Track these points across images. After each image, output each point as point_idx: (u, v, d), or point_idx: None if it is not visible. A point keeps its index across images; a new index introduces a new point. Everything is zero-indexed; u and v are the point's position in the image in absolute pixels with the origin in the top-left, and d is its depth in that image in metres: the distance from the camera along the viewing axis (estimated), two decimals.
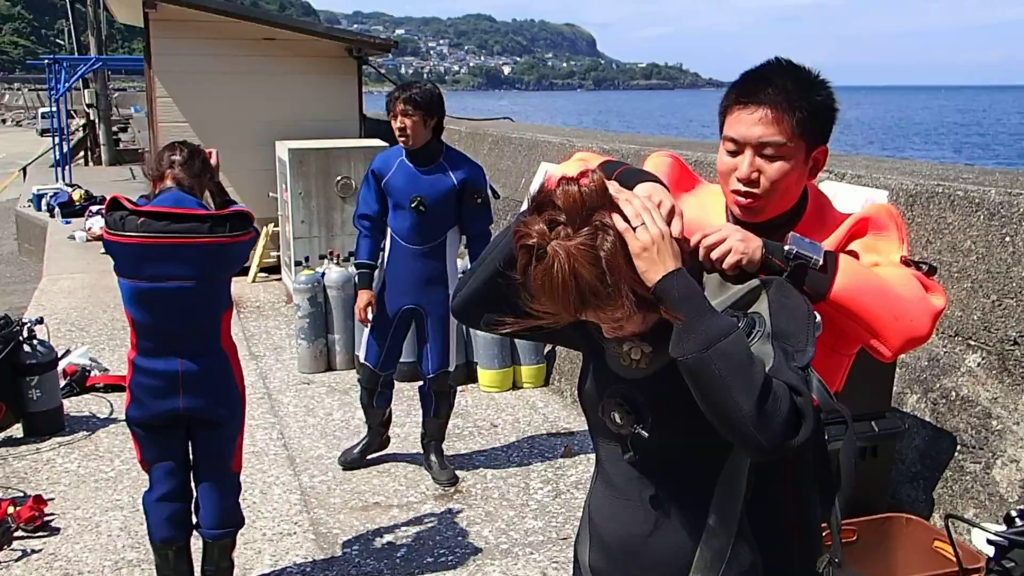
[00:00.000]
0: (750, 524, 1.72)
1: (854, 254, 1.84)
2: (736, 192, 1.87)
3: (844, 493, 1.69)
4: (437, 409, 4.71)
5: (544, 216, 1.49)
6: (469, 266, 4.38)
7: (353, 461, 4.89)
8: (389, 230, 4.50)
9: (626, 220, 1.48)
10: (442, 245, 4.47)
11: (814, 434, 1.47)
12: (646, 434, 1.61)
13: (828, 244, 1.83)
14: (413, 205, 4.35)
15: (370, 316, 4.57)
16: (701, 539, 1.65)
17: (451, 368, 4.65)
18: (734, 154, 1.86)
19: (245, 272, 9.23)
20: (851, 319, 1.75)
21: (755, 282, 1.61)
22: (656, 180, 1.67)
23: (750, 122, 1.81)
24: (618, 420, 1.65)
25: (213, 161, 3.47)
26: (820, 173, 4.25)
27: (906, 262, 1.83)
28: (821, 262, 1.71)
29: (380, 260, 4.61)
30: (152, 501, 3.32)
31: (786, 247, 1.71)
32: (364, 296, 4.58)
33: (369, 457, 4.95)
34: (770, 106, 1.80)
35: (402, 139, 4.33)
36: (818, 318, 1.65)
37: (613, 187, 1.53)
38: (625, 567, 1.72)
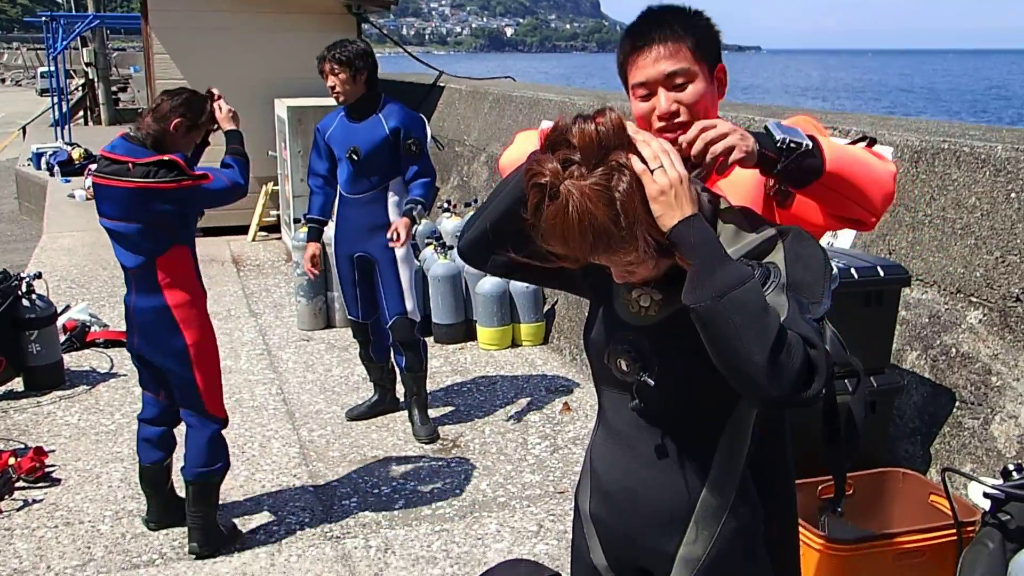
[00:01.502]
0: (753, 477, 1.72)
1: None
2: (661, 131, 1.87)
3: (855, 446, 1.67)
4: (408, 362, 4.69)
5: (558, 155, 1.45)
6: (401, 210, 4.49)
7: (359, 415, 4.93)
8: (337, 183, 4.67)
9: (644, 162, 1.45)
10: (383, 192, 4.54)
11: (826, 387, 1.45)
12: (652, 382, 1.59)
13: None
14: (348, 155, 4.48)
15: (316, 268, 4.79)
16: (703, 490, 1.65)
17: (410, 314, 4.60)
18: (647, 98, 1.89)
19: (244, 231, 9.21)
20: (840, 191, 1.77)
21: (771, 231, 1.57)
22: None
23: (651, 60, 1.86)
24: (624, 367, 1.63)
25: (219, 108, 3.56)
26: (826, 131, 4.22)
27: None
28: (810, 145, 1.71)
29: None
30: (139, 422, 3.71)
31: (776, 136, 1.70)
32: (310, 248, 4.79)
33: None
34: (664, 42, 1.85)
35: (335, 96, 4.49)
36: (835, 269, 1.64)
37: (631, 128, 1.50)
38: (626, 516, 1.72)
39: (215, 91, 3.62)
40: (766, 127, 1.73)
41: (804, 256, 1.54)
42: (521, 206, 1.52)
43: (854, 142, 1.89)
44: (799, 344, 1.39)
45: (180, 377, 3.50)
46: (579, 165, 1.44)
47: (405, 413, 4.88)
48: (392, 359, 4.85)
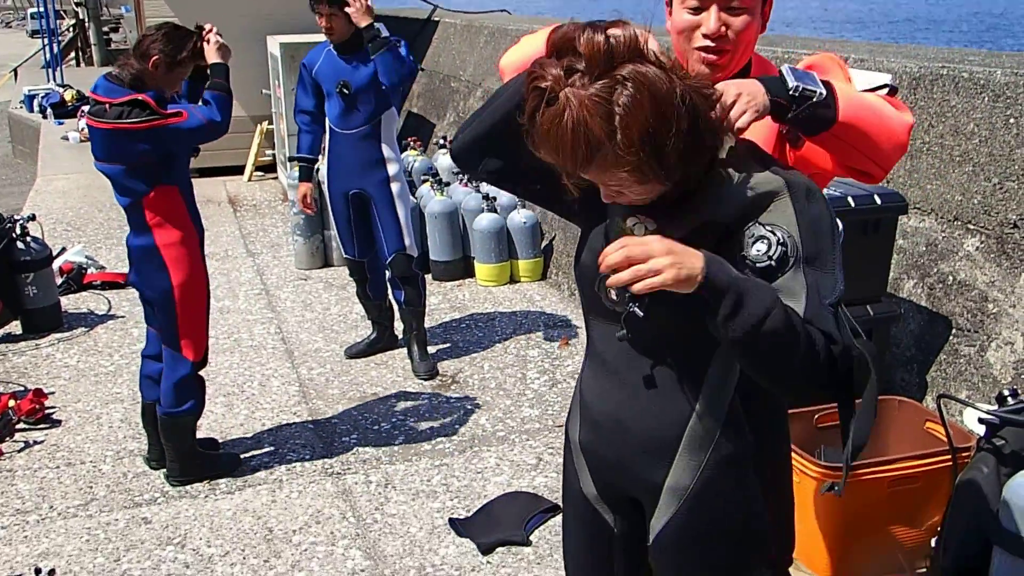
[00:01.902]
0: (743, 406, 1.71)
1: None
2: (703, 49, 1.82)
3: (864, 429, 1.64)
4: (407, 297, 4.69)
5: (564, 62, 1.41)
6: (394, 144, 4.45)
7: (358, 353, 4.94)
8: (326, 119, 4.59)
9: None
10: (376, 127, 4.50)
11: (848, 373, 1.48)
12: (641, 312, 1.56)
13: None
14: (338, 89, 4.42)
15: (310, 208, 4.82)
16: (690, 420, 1.64)
17: (408, 250, 4.59)
18: (696, 11, 1.81)
19: (240, 171, 9.15)
20: (852, 142, 1.73)
21: (779, 181, 1.53)
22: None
23: None
24: (614, 296, 1.60)
25: (207, 41, 3.49)
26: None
27: (865, 92, 1.82)
28: (824, 93, 1.66)
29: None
30: (142, 359, 3.79)
31: (790, 84, 1.65)
32: (302, 188, 4.81)
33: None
34: None
35: (329, 35, 4.43)
36: (840, 227, 1.61)
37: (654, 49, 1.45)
38: (614, 445, 1.71)
39: (207, 25, 3.55)
40: (780, 72, 1.68)
41: (816, 218, 1.52)
42: (519, 110, 1.49)
43: (874, 89, 1.83)
44: (823, 346, 1.44)
45: (163, 314, 3.53)
46: (582, 74, 1.40)
47: (404, 350, 4.89)
48: (390, 296, 4.85)
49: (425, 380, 4.65)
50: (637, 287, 1.41)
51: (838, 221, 1.56)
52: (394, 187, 4.51)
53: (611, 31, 1.42)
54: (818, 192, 1.56)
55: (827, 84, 1.69)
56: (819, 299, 1.47)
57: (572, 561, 1.93)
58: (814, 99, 1.65)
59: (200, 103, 3.46)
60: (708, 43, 1.80)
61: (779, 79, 1.66)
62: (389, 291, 4.83)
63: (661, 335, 1.62)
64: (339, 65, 4.45)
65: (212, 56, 3.51)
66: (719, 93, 1.60)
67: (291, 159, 4.74)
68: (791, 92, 1.64)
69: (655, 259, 1.40)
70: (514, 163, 1.65)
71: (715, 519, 1.68)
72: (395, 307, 4.87)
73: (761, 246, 1.49)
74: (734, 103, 1.60)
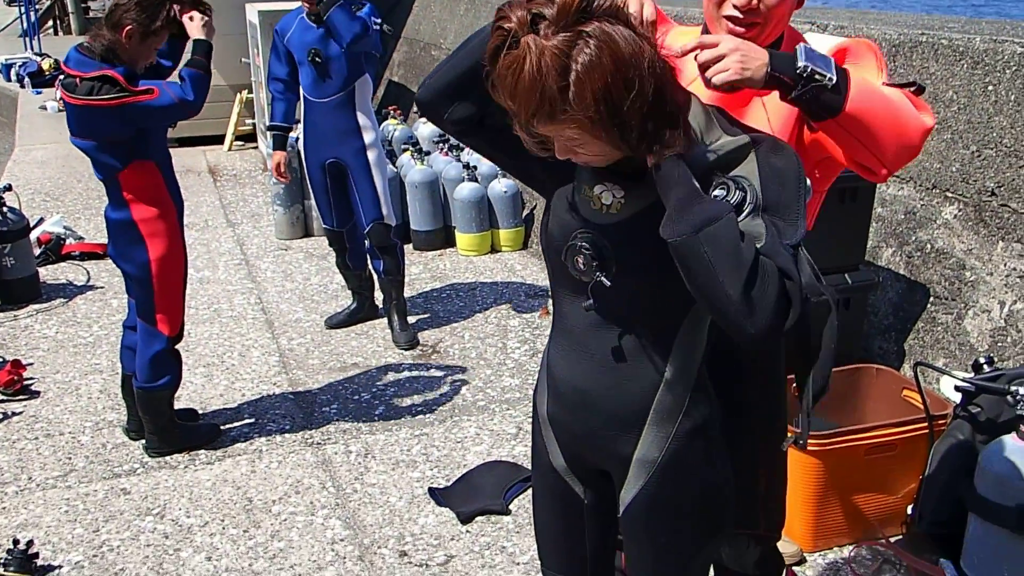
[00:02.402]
0: (712, 376, 1.70)
1: None
2: (732, 19, 1.78)
3: (822, 374, 1.63)
4: (386, 266, 4.67)
5: (532, 5, 1.38)
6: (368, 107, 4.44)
7: (339, 323, 4.93)
8: (300, 89, 4.54)
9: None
10: (350, 95, 4.46)
11: (801, 317, 1.43)
12: (608, 282, 1.55)
13: None
14: (310, 58, 4.38)
15: (285, 177, 4.82)
16: (658, 392, 1.62)
17: (386, 219, 4.59)
18: None
19: (220, 140, 9.07)
20: (856, 136, 1.68)
21: (745, 139, 1.51)
22: None
23: None
24: (580, 266, 1.58)
25: (195, 18, 3.43)
26: (803, 24, 4.13)
27: (889, 86, 1.77)
28: (835, 79, 1.61)
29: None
30: (123, 329, 3.78)
31: (799, 63, 1.59)
32: (277, 156, 4.78)
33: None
34: None
35: (307, 3, 4.38)
36: (808, 183, 1.58)
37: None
38: (582, 417, 1.70)
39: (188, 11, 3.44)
40: (795, 49, 1.63)
41: (779, 170, 1.48)
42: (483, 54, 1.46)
43: (901, 86, 1.76)
44: (775, 276, 1.38)
45: (140, 288, 3.51)
46: (549, 23, 1.37)
47: (384, 321, 4.88)
48: (370, 266, 4.83)
49: (406, 350, 4.64)
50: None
51: (808, 181, 1.53)
52: (370, 155, 4.48)
53: None
54: (785, 148, 1.52)
55: (843, 72, 1.64)
56: (778, 239, 1.44)
57: (543, 533, 1.93)
58: (822, 83, 1.60)
59: (179, 77, 3.40)
60: (736, 13, 1.77)
61: (791, 56, 1.61)
62: (368, 261, 4.80)
63: (627, 307, 1.60)
64: (311, 32, 4.40)
65: (196, 32, 3.42)
66: (712, 43, 1.58)
67: (267, 128, 4.67)
68: (798, 71, 1.59)
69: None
70: (481, 115, 1.62)
71: (683, 489, 1.67)
72: (375, 277, 4.85)
73: (720, 192, 1.46)
74: (722, 57, 1.57)
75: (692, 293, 1.43)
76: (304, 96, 4.52)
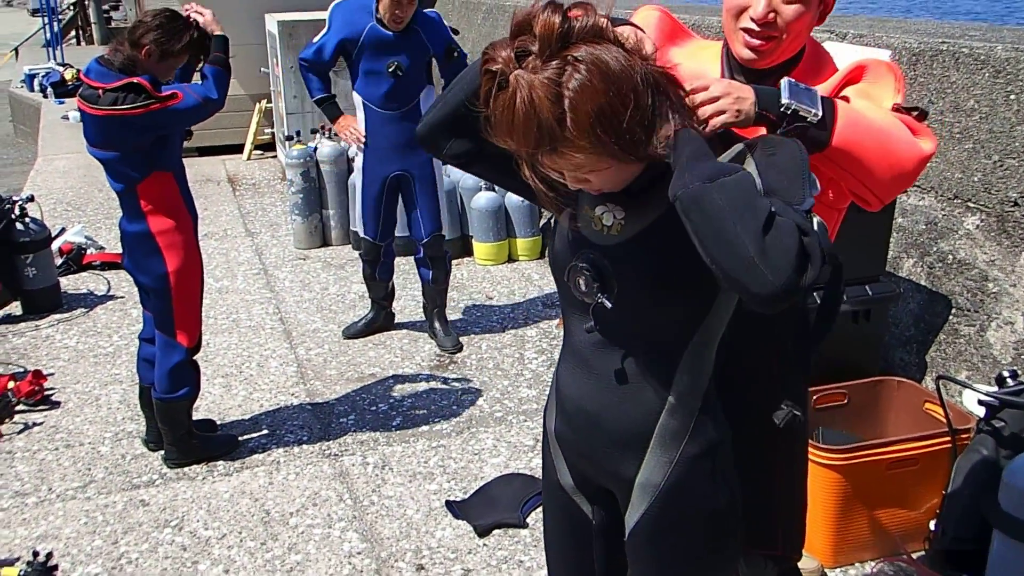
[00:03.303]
0: (723, 399, 1.67)
1: (845, 99, 1.75)
2: (748, 32, 1.77)
3: (822, 334, 1.63)
4: (435, 275, 4.72)
5: (517, 42, 1.37)
6: None
7: (356, 333, 4.92)
8: (358, 98, 4.45)
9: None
10: (417, 107, 4.41)
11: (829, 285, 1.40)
12: (609, 304, 1.53)
13: (822, 90, 1.73)
14: (391, 70, 4.29)
15: (362, 136, 4.50)
16: (660, 416, 1.60)
17: (444, 232, 4.65)
18: None
19: (239, 150, 9.11)
20: (845, 168, 1.66)
21: (739, 146, 1.50)
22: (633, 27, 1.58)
23: None
24: (582, 287, 1.57)
25: (201, 20, 3.45)
26: (822, 34, 4.10)
27: (897, 109, 1.74)
28: (820, 115, 1.60)
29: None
30: (139, 341, 3.78)
31: (783, 100, 1.59)
32: (345, 120, 4.55)
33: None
34: None
35: (396, 23, 4.26)
36: (814, 177, 1.56)
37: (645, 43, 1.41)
38: (586, 438, 1.68)
39: (190, 7, 3.48)
40: (780, 84, 1.61)
41: (777, 163, 1.45)
42: (476, 94, 1.45)
43: (908, 110, 1.74)
44: (792, 229, 1.31)
45: (158, 300, 3.51)
46: (535, 56, 1.35)
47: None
48: (393, 277, 4.87)
49: (452, 353, 4.68)
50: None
51: (815, 178, 1.49)
52: (436, 167, 4.51)
53: (573, 13, 1.38)
54: (779, 140, 1.50)
55: (830, 105, 1.62)
56: (787, 205, 1.38)
57: (552, 551, 1.91)
58: (806, 120, 1.59)
59: (200, 76, 3.42)
60: (753, 26, 1.76)
61: (776, 93, 1.60)
62: (392, 275, 4.84)
63: (630, 329, 1.58)
64: (388, 42, 4.29)
65: (214, 28, 3.45)
66: (703, 86, 1.56)
67: (317, 102, 4.57)
68: (782, 108, 1.58)
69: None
70: (479, 146, 1.60)
71: (687, 514, 1.64)
72: (392, 287, 4.86)
73: None
74: (716, 99, 1.55)
75: (703, 252, 1.34)
76: (367, 106, 4.41)
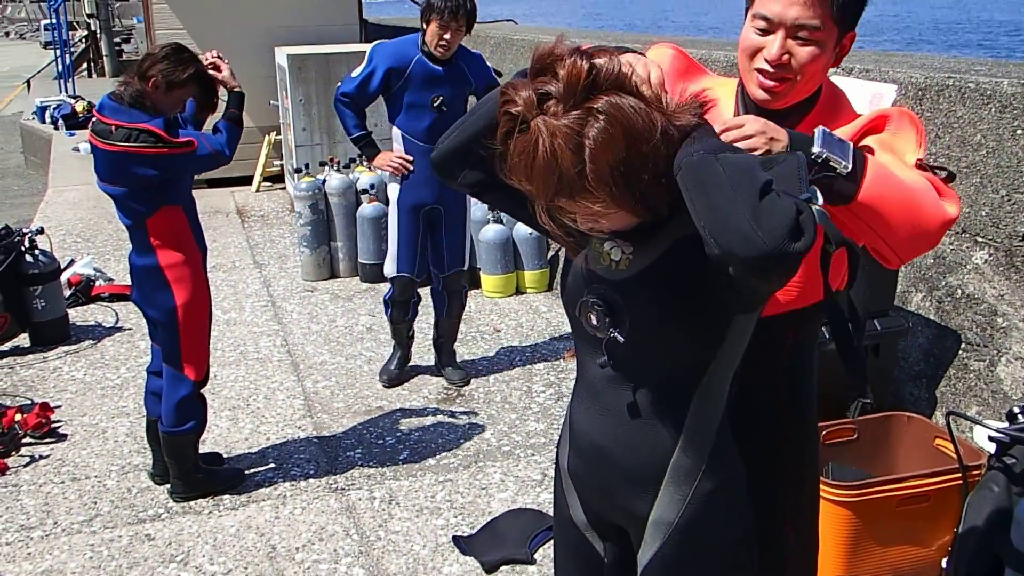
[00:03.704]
0: (735, 435, 1.66)
1: (868, 150, 1.75)
2: (762, 72, 1.77)
3: (857, 323, 1.59)
4: (450, 309, 4.70)
5: (538, 83, 1.38)
6: None
7: (396, 377, 4.75)
8: (398, 131, 4.40)
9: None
10: None
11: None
12: (622, 339, 1.54)
13: (841, 135, 1.73)
14: (436, 104, 4.28)
15: (407, 160, 4.38)
16: (674, 452, 1.59)
17: (465, 268, 4.65)
18: (764, 33, 1.75)
19: (248, 181, 9.16)
20: (868, 224, 1.63)
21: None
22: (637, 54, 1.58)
23: (787, 2, 1.70)
24: (594, 322, 1.57)
25: (219, 75, 3.53)
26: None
27: (921, 166, 1.73)
28: (850, 167, 1.57)
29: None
30: (147, 375, 3.79)
31: (815, 149, 1.56)
32: (384, 155, 4.44)
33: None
34: None
35: (441, 51, 4.24)
36: (817, 191, 1.54)
37: (652, 78, 1.41)
38: (600, 473, 1.67)
39: (211, 53, 3.56)
40: (814, 132, 1.60)
41: (779, 172, 1.43)
42: (491, 132, 1.46)
43: (931, 168, 1.71)
44: (789, 201, 1.31)
45: (166, 333, 3.52)
46: (557, 101, 1.36)
47: (411, 363, 4.87)
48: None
49: (460, 387, 4.66)
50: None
51: (819, 196, 1.48)
52: (468, 202, 4.52)
53: (599, 59, 1.38)
54: (785, 157, 1.48)
55: (861, 157, 1.61)
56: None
57: None
58: (836, 171, 1.57)
59: (213, 129, 3.47)
60: (767, 67, 1.76)
61: (809, 139, 1.59)
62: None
63: (643, 363, 1.58)
64: (434, 76, 4.29)
65: (232, 84, 3.56)
66: (738, 124, 1.56)
67: (355, 140, 4.49)
68: (814, 156, 1.56)
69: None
70: (493, 177, 1.59)
71: (701, 553, 1.63)
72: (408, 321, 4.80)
73: None
74: (749, 137, 1.55)
75: (699, 214, 1.33)
76: (407, 139, 4.37)
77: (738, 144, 1.54)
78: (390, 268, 4.57)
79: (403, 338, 4.77)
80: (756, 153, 1.54)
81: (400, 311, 4.64)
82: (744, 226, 1.28)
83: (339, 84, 4.50)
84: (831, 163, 1.57)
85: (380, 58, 4.33)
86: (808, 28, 1.71)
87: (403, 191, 4.46)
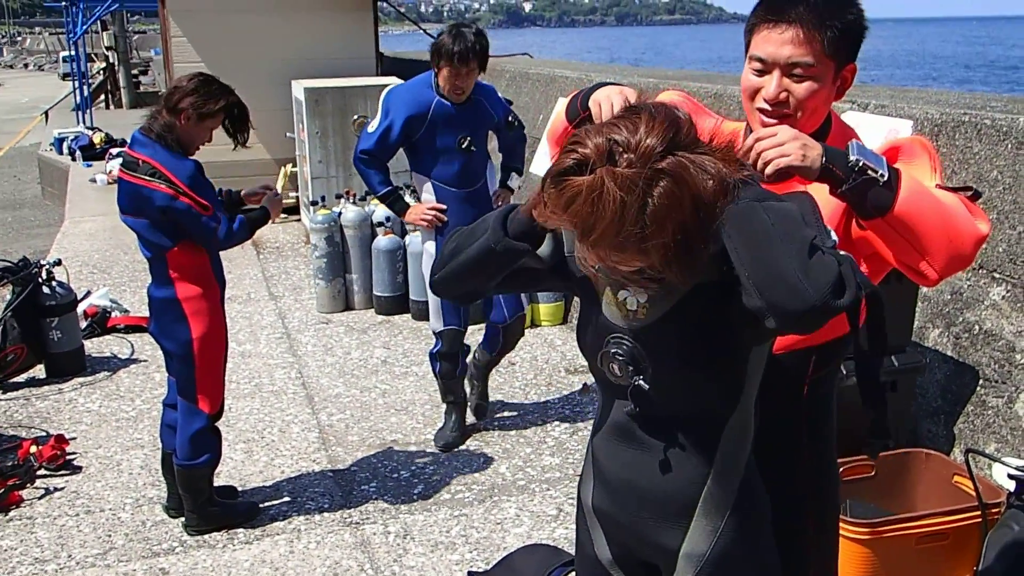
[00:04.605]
0: (762, 468, 1.68)
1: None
2: (763, 112, 1.81)
3: (878, 354, 1.63)
4: (504, 348, 4.53)
5: (608, 130, 1.37)
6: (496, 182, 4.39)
7: (454, 442, 4.41)
8: (425, 181, 4.21)
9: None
10: (486, 183, 4.29)
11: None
12: (647, 386, 1.55)
13: None
14: (464, 146, 4.11)
15: (440, 211, 4.19)
16: (706, 484, 1.61)
17: (525, 309, 4.52)
18: (761, 73, 1.80)
19: None
20: (906, 237, 1.65)
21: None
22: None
23: (779, 42, 1.76)
24: (617, 372, 1.59)
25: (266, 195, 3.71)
26: (843, 104, 4.13)
27: (942, 188, 1.75)
28: (887, 176, 1.60)
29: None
30: (163, 407, 3.80)
31: (851, 157, 1.60)
32: (415, 208, 4.25)
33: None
34: (800, 25, 1.74)
35: (457, 94, 4.06)
36: (832, 233, 1.55)
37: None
38: (629, 508, 1.68)
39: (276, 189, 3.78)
40: (847, 145, 1.63)
41: (786, 211, 1.43)
42: (491, 261, 1.58)
43: (955, 189, 1.74)
44: (831, 257, 1.35)
45: (181, 366, 3.54)
46: (630, 156, 1.35)
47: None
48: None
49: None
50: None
51: (830, 229, 1.49)
52: None
53: (678, 113, 1.41)
54: (797, 195, 1.50)
55: (895, 171, 1.63)
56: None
57: None
58: (874, 177, 1.59)
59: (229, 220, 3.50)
60: (767, 107, 1.80)
61: (843, 151, 1.62)
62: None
63: (670, 404, 1.59)
64: (455, 116, 4.10)
65: (266, 201, 3.68)
66: (771, 132, 1.60)
67: (381, 197, 4.29)
68: (851, 164, 1.59)
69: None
70: (488, 285, 1.70)
71: None
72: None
73: None
74: (781, 144, 1.58)
75: (744, 267, 1.37)
76: (439, 187, 4.18)
77: (771, 152, 1.57)
78: (436, 323, 4.31)
79: (459, 395, 4.47)
80: (789, 160, 1.57)
81: (450, 365, 4.36)
82: (794, 282, 1.32)
83: (356, 143, 4.30)
84: (868, 169, 1.59)
85: (396, 107, 4.12)
86: (802, 65, 1.75)
87: (441, 242, 4.13)
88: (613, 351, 1.58)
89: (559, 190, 1.38)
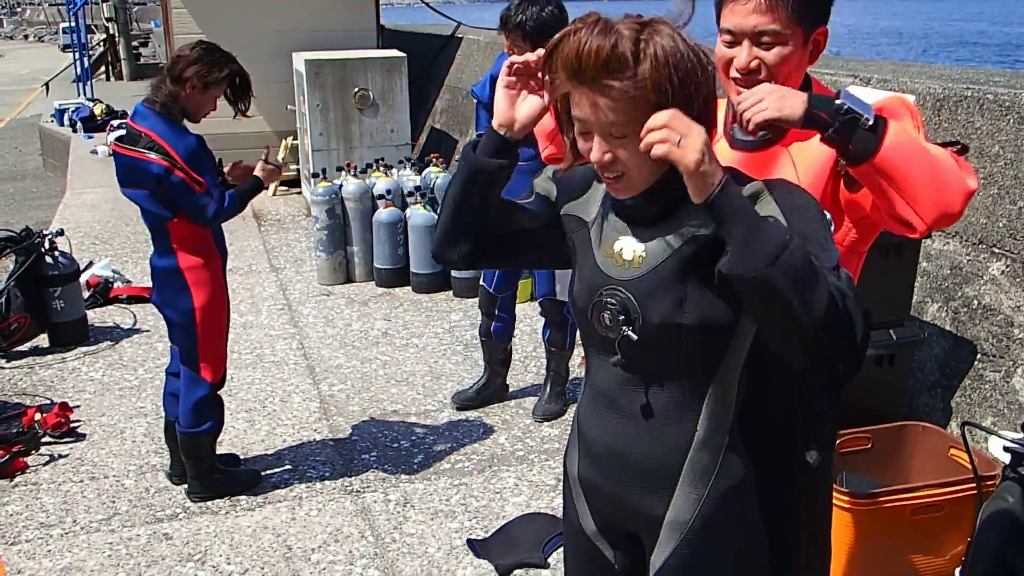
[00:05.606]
0: (748, 436, 1.69)
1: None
2: (737, 81, 1.84)
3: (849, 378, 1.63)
4: (551, 337, 4.47)
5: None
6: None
7: (467, 401, 4.56)
8: None
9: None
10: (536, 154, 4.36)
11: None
12: (635, 336, 1.56)
13: None
14: None
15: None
16: (689, 450, 1.61)
17: (558, 295, 4.37)
18: (731, 44, 1.84)
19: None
20: (891, 184, 1.67)
21: (759, 184, 1.53)
22: None
23: (745, 12, 1.80)
24: (607, 321, 1.59)
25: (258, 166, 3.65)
26: (846, 78, 4.13)
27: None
28: (872, 121, 1.64)
29: None
30: (166, 375, 3.83)
31: (837, 101, 1.65)
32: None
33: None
34: None
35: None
36: (828, 216, 1.60)
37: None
38: (613, 478, 1.69)
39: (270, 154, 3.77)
40: (837, 92, 1.68)
41: (799, 206, 1.50)
42: (473, 192, 1.64)
43: (944, 145, 1.77)
44: (840, 297, 1.40)
45: (184, 335, 3.56)
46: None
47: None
48: (512, 342, 4.65)
49: (539, 422, 4.40)
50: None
51: (826, 214, 1.55)
52: None
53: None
54: (799, 189, 1.55)
55: (882, 119, 1.66)
56: (819, 263, 1.44)
57: None
58: (859, 120, 1.64)
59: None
60: (739, 76, 1.84)
61: (830, 98, 1.67)
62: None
63: (656, 361, 1.60)
64: None
65: (259, 171, 3.63)
66: (751, 92, 1.67)
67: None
68: (836, 107, 1.64)
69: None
70: (484, 240, 1.71)
71: (717, 552, 1.65)
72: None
73: None
74: (760, 100, 1.63)
75: (761, 323, 1.48)
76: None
77: (751, 109, 1.66)
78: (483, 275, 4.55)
79: (488, 356, 4.59)
80: (768, 112, 1.67)
81: (484, 321, 4.54)
82: (808, 344, 1.44)
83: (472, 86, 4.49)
84: (853, 112, 1.63)
85: (485, 100, 4.33)
86: (769, 33, 1.80)
87: None
88: (605, 300, 1.59)
89: (563, 44, 1.48)
